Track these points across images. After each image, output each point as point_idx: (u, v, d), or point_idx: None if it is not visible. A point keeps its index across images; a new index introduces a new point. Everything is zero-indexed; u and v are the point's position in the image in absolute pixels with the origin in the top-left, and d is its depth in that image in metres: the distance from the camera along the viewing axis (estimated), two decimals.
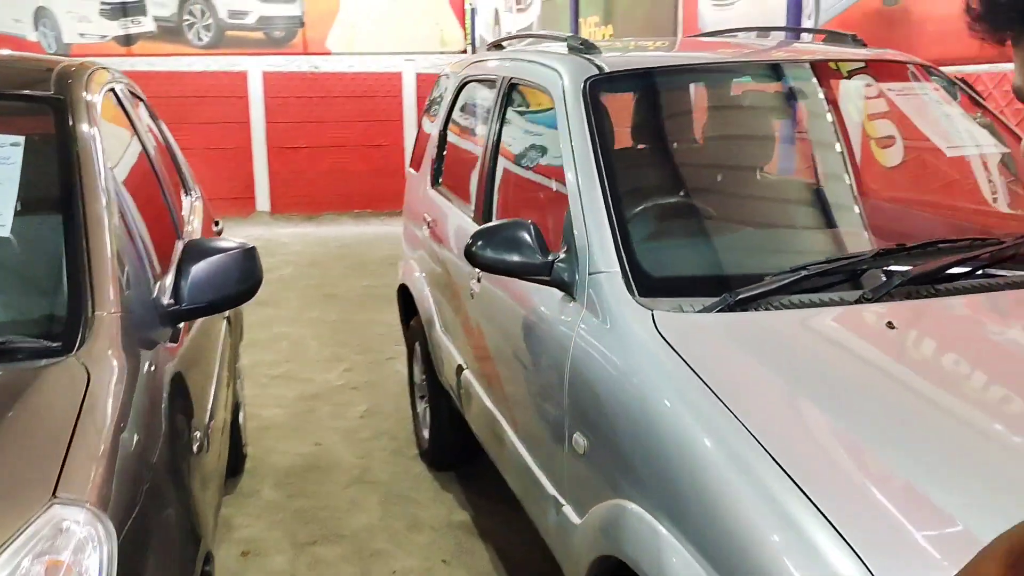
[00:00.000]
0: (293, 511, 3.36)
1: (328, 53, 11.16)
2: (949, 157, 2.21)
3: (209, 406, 2.33)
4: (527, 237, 2.07)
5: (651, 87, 2.47)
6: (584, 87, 2.27)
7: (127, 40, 10.50)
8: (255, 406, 4.45)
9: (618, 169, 2.12)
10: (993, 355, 1.70)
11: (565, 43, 2.58)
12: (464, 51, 11.57)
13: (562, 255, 2.06)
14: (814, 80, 2.44)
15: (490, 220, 2.78)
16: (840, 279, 1.86)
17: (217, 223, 3.59)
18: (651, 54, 2.62)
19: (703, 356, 1.65)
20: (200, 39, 10.73)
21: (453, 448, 3.53)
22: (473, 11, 11.53)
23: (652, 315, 1.78)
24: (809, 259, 1.93)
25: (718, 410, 1.49)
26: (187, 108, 10.76)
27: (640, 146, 2.53)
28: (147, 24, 10.55)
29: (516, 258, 2.06)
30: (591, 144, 2.14)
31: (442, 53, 11.43)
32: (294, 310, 6.51)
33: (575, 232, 2.06)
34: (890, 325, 1.71)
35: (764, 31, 3.51)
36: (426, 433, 3.72)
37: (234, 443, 3.46)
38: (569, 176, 2.15)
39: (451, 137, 3.52)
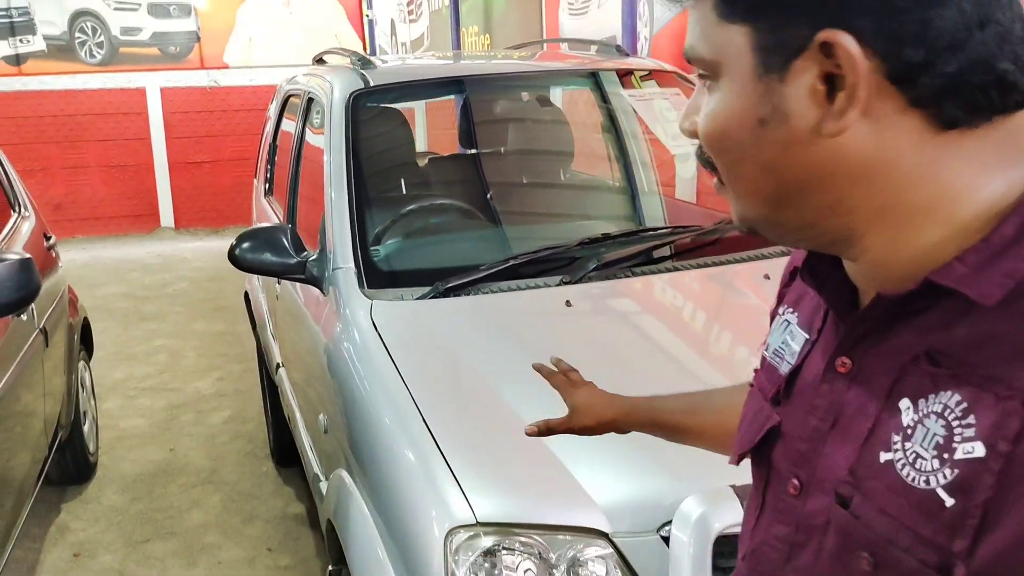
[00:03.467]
0: (133, 514, 3.49)
1: (226, 67, 11.20)
2: (672, 154, 2.47)
3: None
4: (284, 240, 2.26)
5: (412, 98, 2.68)
6: (348, 99, 2.47)
7: (17, 60, 10.42)
8: (117, 417, 4.55)
9: (370, 176, 2.32)
10: (640, 329, 1.95)
11: (349, 58, 2.78)
12: None
13: (314, 255, 2.26)
14: (561, 88, 2.68)
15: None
16: (545, 267, 2.09)
17: (49, 238, 3.69)
18: (422, 65, 2.82)
19: (400, 339, 1.86)
20: (93, 56, 10.69)
21: (290, 443, 3.69)
22: (371, 22, 11.69)
23: (372, 305, 1.99)
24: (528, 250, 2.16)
25: (399, 387, 1.70)
26: (84, 126, 10.73)
27: (401, 154, 2.74)
28: (37, 43, 10.48)
29: (273, 258, 2.25)
30: (345, 153, 2.34)
31: None
32: (180, 323, 6.59)
33: (326, 234, 2.26)
34: (568, 303, 1.94)
35: (553, 43, 3.75)
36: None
37: (76, 454, 3.58)
38: (326, 182, 2.35)
39: (278, 149, 3.70)
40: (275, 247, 2.26)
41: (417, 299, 2.01)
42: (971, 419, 0.55)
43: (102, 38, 10.67)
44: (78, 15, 10.55)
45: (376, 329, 1.89)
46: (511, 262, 2.06)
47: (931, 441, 0.57)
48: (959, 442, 0.55)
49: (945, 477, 0.56)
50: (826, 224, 0.63)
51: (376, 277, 2.10)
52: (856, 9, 0.57)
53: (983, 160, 0.59)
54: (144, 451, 4.12)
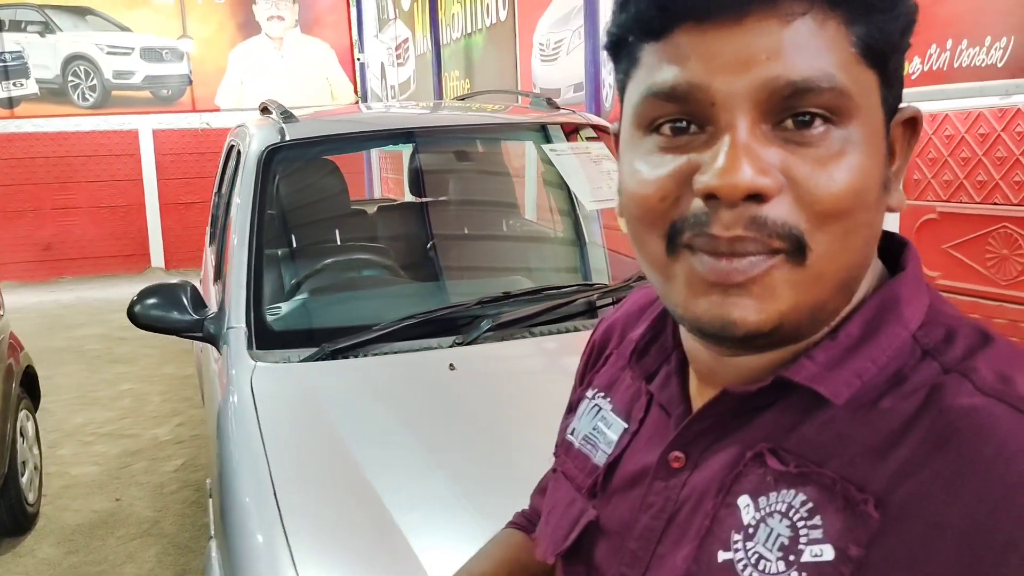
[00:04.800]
0: (65, 567, 3.43)
1: (217, 109, 11.32)
2: (589, 210, 2.44)
3: None
4: (183, 297, 2.23)
5: (332, 152, 2.67)
6: (262, 154, 2.46)
7: (10, 103, 10.54)
8: (69, 464, 4.51)
9: (280, 233, 2.30)
10: (527, 393, 1.90)
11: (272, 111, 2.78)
12: (356, 103, 11.83)
13: (212, 313, 2.23)
14: (478, 144, 2.67)
15: (219, 279, 2.94)
16: (438, 328, 2.05)
17: None
18: (347, 119, 2.81)
19: (274, 407, 1.82)
20: (85, 100, 10.81)
21: None
22: (363, 65, 11.82)
23: (255, 367, 1.95)
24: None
25: (260, 461, 1.66)
26: (76, 168, 10.83)
27: (323, 208, 2.73)
28: (30, 87, 10.60)
29: (173, 316, 2.22)
30: (251, 209, 2.32)
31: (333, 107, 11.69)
32: (150, 367, 6.56)
33: (225, 291, 2.23)
34: (451, 367, 1.90)
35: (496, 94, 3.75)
36: None
37: (12, 505, 3.53)
38: (231, 239, 2.33)
39: (221, 199, 3.70)
40: (175, 304, 2.23)
41: (302, 361, 1.97)
42: (817, 520, 0.52)
43: (95, 81, 10.80)
44: (71, 59, 10.70)
45: (253, 394, 1.85)
46: (404, 323, 2.03)
47: (775, 542, 0.54)
48: (806, 544, 0.52)
49: None
50: (835, 313, 0.58)
51: (268, 338, 2.06)
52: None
53: None
54: (89, 500, 4.07)
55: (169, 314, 2.22)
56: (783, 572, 0.53)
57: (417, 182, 2.92)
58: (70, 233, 10.94)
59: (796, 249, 0.53)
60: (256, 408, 1.80)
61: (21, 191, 10.76)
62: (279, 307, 2.26)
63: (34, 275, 10.58)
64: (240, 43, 11.38)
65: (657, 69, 0.55)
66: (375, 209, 3.31)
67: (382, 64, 11.30)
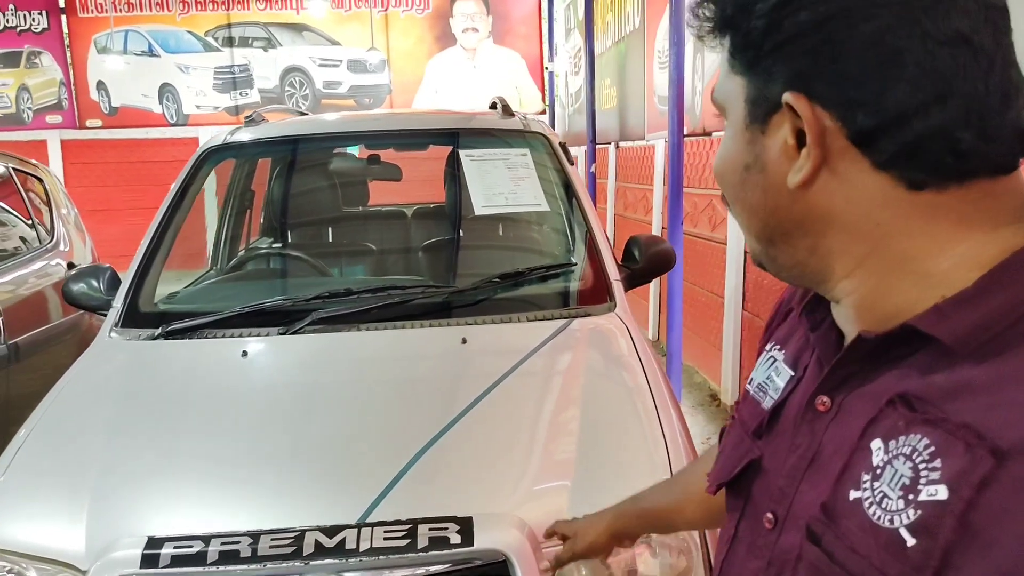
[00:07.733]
0: None
1: None
2: (477, 214, 2.46)
3: None
4: (102, 277, 2.54)
5: (271, 154, 2.89)
6: (201, 154, 2.73)
7: (236, 110, 11.88)
8: None
9: (178, 225, 2.56)
10: (308, 382, 1.99)
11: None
12: (543, 112, 12.12)
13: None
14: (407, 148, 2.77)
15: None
16: (272, 319, 2.19)
17: (72, 266, 4.25)
18: (286, 126, 2.99)
19: (86, 376, 2.06)
20: (299, 107, 11.91)
21: None
22: (551, 74, 12.08)
23: (107, 339, 2.20)
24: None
25: (38, 415, 1.90)
26: None
27: (232, 206, 2.95)
28: (253, 95, 11.88)
29: (91, 294, 2.53)
30: (169, 202, 2.59)
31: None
32: None
33: None
34: (244, 353, 2.04)
35: None
36: None
37: None
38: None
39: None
40: (94, 284, 2.53)
41: (142, 340, 2.19)
42: (937, 463, 0.57)
43: (307, 91, 11.89)
44: (288, 71, 11.86)
45: (87, 363, 2.10)
46: (237, 312, 2.19)
47: (898, 482, 0.59)
48: (924, 484, 0.57)
49: (908, 518, 0.57)
50: (811, 264, 0.69)
51: (134, 317, 2.31)
52: (819, 76, 0.63)
53: (961, 218, 0.62)
54: None
55: (88, 292, 2.53)
56: (902, 509, 0.57)
57: (342, 186, 3.09)
58: None
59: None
60: (74, 373, 2.05)
61: None
62: (176, 293, 2.50)
63: None
64: (437, 54, 12.04)
65: None
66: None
67: (565, 73, 11.51)
